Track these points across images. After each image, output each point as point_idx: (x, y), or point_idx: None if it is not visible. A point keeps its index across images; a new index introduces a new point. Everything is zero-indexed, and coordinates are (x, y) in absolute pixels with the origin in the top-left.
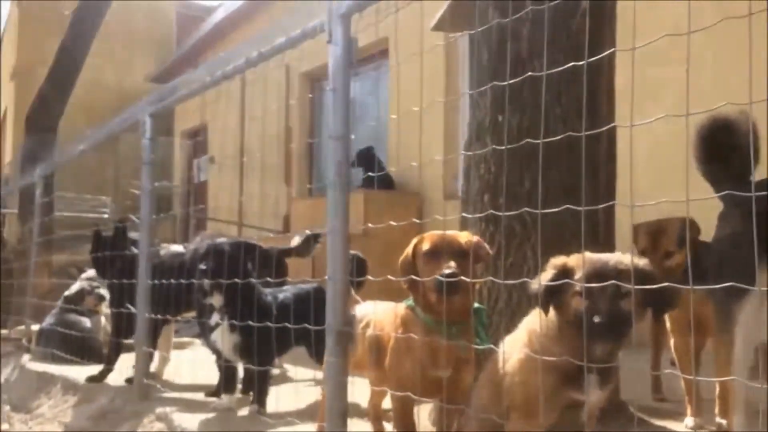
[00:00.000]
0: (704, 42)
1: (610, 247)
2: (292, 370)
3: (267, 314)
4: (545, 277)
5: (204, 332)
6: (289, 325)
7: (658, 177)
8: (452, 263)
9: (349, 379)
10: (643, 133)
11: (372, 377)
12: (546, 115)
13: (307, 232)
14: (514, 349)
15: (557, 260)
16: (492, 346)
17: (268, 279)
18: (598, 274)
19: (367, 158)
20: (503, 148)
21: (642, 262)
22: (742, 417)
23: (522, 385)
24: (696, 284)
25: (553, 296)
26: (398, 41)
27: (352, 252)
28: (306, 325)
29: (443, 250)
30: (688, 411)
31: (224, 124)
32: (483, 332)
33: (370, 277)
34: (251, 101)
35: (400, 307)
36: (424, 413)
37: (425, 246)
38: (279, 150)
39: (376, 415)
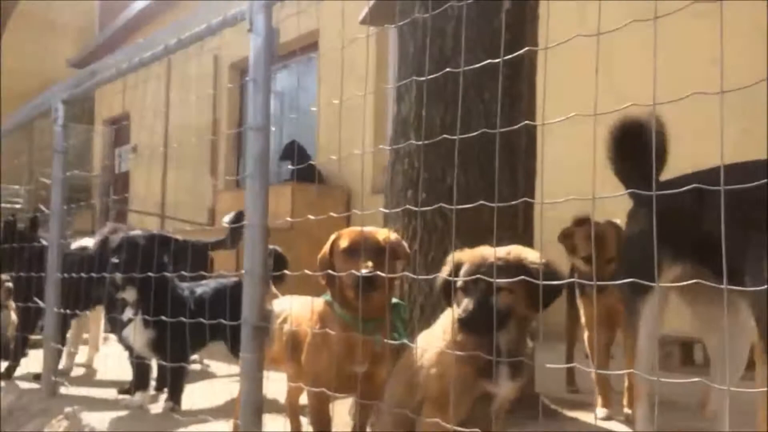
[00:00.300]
0: (621, 43)
1: (528, 242)
2: (214, 366)
3: (183, 309)
4: (443, 271)
5: (115, 328)
6: (203, 320)
7: (581, 175)
8: (369, 263)
9: (267, 374)
10: (567, 131)
11: (289, 373)
12: (468, 112)
13: (225, 222)
14: (429, 343)
15: (457, 255)
16: (406, 341)
17: (183, 273)
18: (479, 269)
19: (294, 152)
20: (421, 143)
21: (531, 256)
22: (645, 407)
23: (435, 378)
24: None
25: (449, 291)
26: (328, 33)
27: (271, 246)
28: (221, 320)
29: (361, 247)
30: (599, 402)
31: (148, 113)
32: (402, 327)
33: (287, 272)
34: (178, 91)
35: (318, 303)
36: (344, 408)
37: (343, 243)
38: (205, 141)
39: (293, 411)
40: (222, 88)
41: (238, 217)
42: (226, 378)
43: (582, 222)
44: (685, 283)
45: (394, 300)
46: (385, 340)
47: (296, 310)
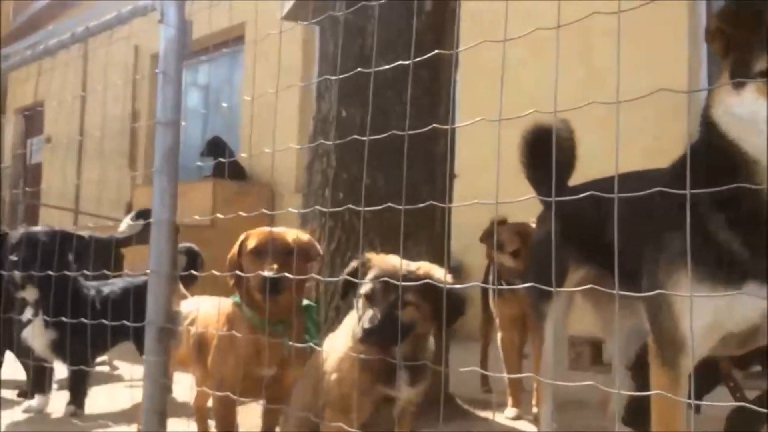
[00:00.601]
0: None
1: (446, 242)
2: (124, 368)
3: (88, 309)
4: (346, 272)
5: (10, 329)
6: (105, 321)
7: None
8: (275, 265)
9: (176, 377)
10: (486, 135)
11: (196, 375)
12: (386, 113)
13: (128, 219)
14: (332, 347)
15: (367, 255)
16: (313, 344)
17: (86, 272)
18: (384, 278)
19: (217, 147)
20: (332, 143)
21: (439, 274)
22: (548, 407)
23: (336, 383)
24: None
25: (351, 291)
26: (254, 27)
27: (185, 244)
28: (125, 321)
29: (268, 248)
30: (509, 402)
31: (63, 102)
32: (313, 330)
33: (194, 272)
34: (96, 80)
35: (226, 304)
36: (256, 412)
37: (251, 244)
38: (124, 133)
39: (200, 415)
40: (142, 79)
41: (145, 214)
42: (138, 381)
43: (503, 222)
44: (579, 288)
45: (306, 302)
46: (293, 343)
47: (204, 311)
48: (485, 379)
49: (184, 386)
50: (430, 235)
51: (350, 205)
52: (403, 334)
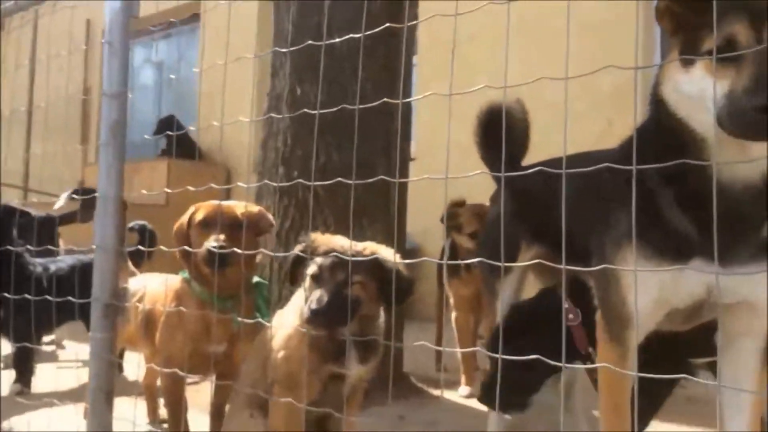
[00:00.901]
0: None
1: (401, 221)
2: (76, 348)
3: (36, 286)
4: (295, 249)
5: None
6: (50, 298)
7: (460, 156)
8: (221, 236)
9: (127, 355)
10: (446, 118)
11: (146, 353)
12: (344, 90)
13: (65, 197)
14: (280, 324)
15: (312, 235)
16: (262, 321)
17: (29, 247)
18: (331, 259)
19: (169, 126)
20: (280, 116)
21: (386, 253)
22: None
23: (283, 360)
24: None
25: (298, 270)
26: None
27: (139, 222)
28: (69, 298)
29: (216, 220)
30: (463, 380)
31: (10, 77)
32: (264, 306)
33: (140, 248)
34: (46, 54)
35: (174, 280)
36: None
37: (198, 216)
38: (76, 109)
39: (150, 393)
40: (95, 54)
41: (84, 192)
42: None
43: (461, 203)
44: (526, 263)
45: (256, 278)
46: (242, 320)
47: (152, 287)
48: (439, 358)
49: (134, 365)
50: (385, 215)
51: (300, 180)
52: (351, 314)
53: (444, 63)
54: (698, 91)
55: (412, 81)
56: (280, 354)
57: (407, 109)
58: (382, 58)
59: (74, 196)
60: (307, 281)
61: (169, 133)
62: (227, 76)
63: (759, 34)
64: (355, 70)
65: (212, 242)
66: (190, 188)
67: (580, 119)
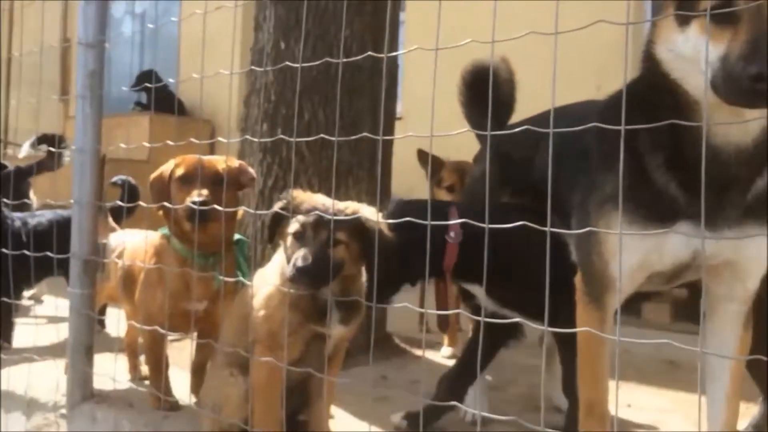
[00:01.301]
0: None
1: (386, 181)
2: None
3: (13, 241)
4: (275, 206)
5: None
6: (28, 253)
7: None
8: (204, 191)
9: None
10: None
11: (126, 310)
12: (329, 47)
13: (28, 145)
14: (263, 282)
15: (293, 192)
16: (244, 280)
17: (5, 201)
18: (314, 217)
19: (148, 80)
20: (262, 70)
21: (368, 213)
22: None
23: (264, 320)
24: None
25: (278, 228)
26: None
27: (122, 176)
28: (48, 253)
29: (197, 175)
30: (445, 341)
31: None
32: (245, 265)
33: (120, 203)
34: (21, 6)
35: (155, 236)
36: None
37: (179, 171)
38: (54, 61)
39: (131, 350)
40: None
41: (48, 140)
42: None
43: (443, 162)
44: (511, 225)
45: (237, 236)
46: (223, 277)
47: (132, 244)
48: (422, 318)
49: (115, 321)
50: (370, 174)
51: (283, 137)
52: (333, 273)
53: (432, 20)
54: (693, 52)
55: (399, 39)
56: (261, 313)
57: (393, 67)
58: (369, 15)
59: (30, 147)
60: (289, 240)
61: (148, 85)
62: (211, 28)
63: None
64: (339, 26)
65: (194, 197)
66: (170, 143)
67: (569, 80)
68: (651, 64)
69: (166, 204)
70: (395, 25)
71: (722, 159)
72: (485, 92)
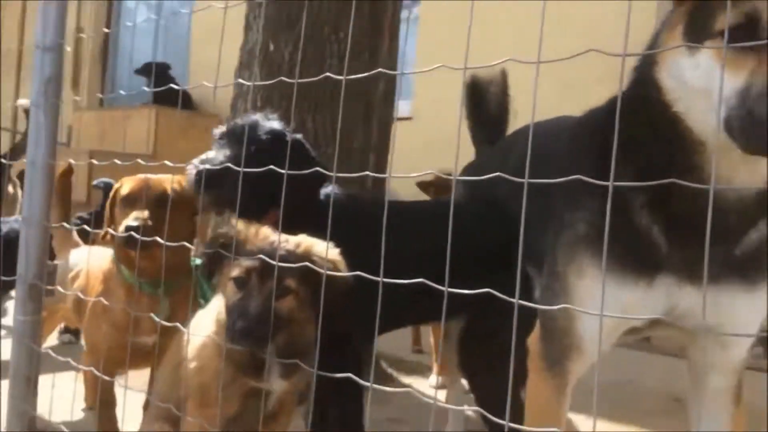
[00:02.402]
0: None
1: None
2: None
3: None
4: (215, 238)
5: None
6: None
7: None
8: (145, 212)
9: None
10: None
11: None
12: (321, 50)
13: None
14: (197, 328)
15: (237, 225)
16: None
17: None
18: (259, 263)
19: (156, 69)
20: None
21: (321, 250)
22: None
23: (197, 371)
24: None
25: (218, 267)
26: None
27: (103, 179)
28: None
29: (141, 196)
30: (435, 368)
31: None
32: (210, 292)
33: (65, 225)
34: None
35: (106, 260)
36: None
37: (123, 191)
38: (66, 53)
39: (88, 378)
40: None
41: None
42: None
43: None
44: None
45: (197, 261)
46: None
47: (91, 264)
48: (417, 338)
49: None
50: (362, 188)
51: None
52: (280, 327)
53: (446, 16)
54: (704, 82)
55: (402, 38)
56: (193, 365)
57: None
58: (366, 17)
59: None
60: (229, 285)
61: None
62: (221, 20)
63: None
64: (333, 28)
65: (131, 220)
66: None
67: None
68: (649, 89)
69: (109, 229)
70: (395, 27)
71: (718, 207)
72: (478, 106)
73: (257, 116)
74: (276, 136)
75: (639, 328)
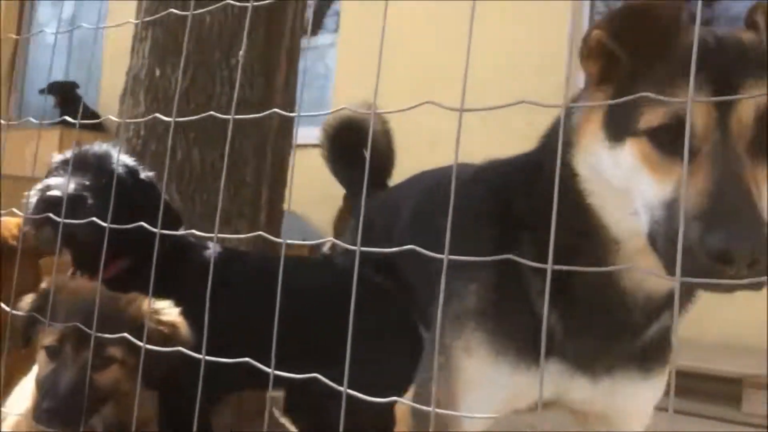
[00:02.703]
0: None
1: (274, 232)
2: None
3: None
4: (28, 300)
5: None
6: None
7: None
8: None
9: None
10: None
11: None
12: (211, 77)
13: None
14: (14, 403)
15: (56, 282)
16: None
17: None
18: (74, 317)
19: (63, 89)
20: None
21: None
22: None
23: None
24: None
25: (33, 332)
26: None
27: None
28: None
29: None
30: None
31: None
32: None
33: None
34: None
35: None
36: None
37: None
38: None
39: None
40: None
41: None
42: None
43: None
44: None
45: None
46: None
47: None
48: None
49: None
50: (252, 224)
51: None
52: (101, 401)
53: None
54: (624, 180)
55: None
56: None
57: (291, 103)
58: (261, 41)
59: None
60: (41, 355)
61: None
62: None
63: (725, 117)
64: (224, 54)
65: None
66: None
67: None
68: (563, 170)
69: None
70: (294, 54)
71: (626, 304)
72: (352, 149)
73: (106, 146)
74: (130, 172)
75: (520, 410)
